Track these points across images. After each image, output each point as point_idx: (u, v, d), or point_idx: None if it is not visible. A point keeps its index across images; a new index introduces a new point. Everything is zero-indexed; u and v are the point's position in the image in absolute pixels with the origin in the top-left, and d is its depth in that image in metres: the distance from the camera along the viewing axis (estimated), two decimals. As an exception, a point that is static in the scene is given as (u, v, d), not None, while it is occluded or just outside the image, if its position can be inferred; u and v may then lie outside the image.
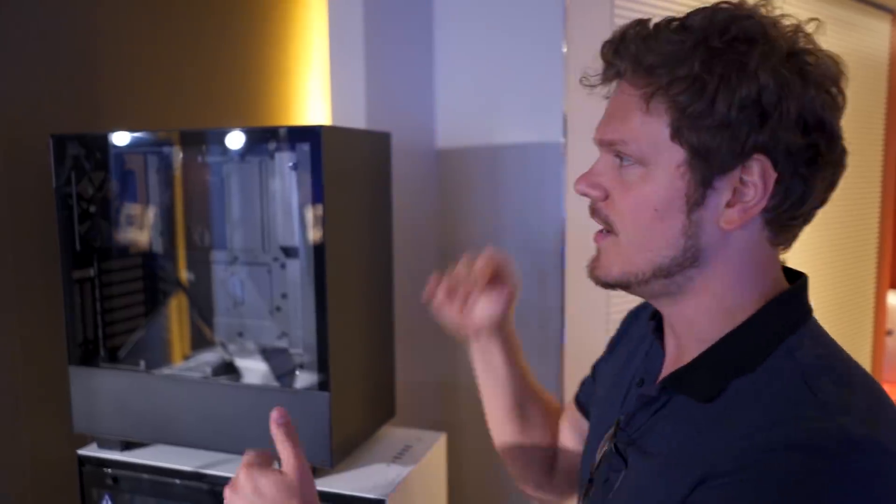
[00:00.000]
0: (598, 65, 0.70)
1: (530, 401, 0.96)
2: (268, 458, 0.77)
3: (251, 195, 1.18)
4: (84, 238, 1.12)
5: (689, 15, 0.66)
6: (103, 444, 1.12)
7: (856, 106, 2.86)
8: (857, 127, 2.59)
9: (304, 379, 1.03)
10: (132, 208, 1.19)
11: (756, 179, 0.64)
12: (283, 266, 1.19)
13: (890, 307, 3.02)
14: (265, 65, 1.52)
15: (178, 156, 1.16)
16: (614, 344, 0.93)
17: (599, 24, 1.45)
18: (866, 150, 2.69)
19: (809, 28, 0.66)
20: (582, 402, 0.94)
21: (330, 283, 0.96)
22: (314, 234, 0.96)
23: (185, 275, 1.23)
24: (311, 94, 1.61)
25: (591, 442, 0.85)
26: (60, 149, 1.09)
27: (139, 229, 1.20)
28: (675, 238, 0.67)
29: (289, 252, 1.17)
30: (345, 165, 1.02)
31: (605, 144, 0.69)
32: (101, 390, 1.11)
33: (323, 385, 0.98)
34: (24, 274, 1.13)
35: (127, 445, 1.12)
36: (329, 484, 0.99)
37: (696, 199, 0.65)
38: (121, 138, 1.11)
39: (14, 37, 1.10)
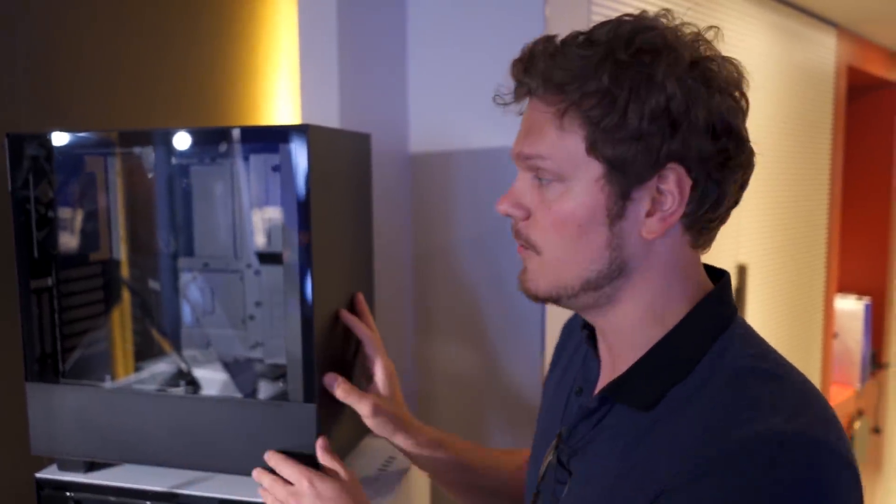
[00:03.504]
0: (510, 82, 0.72)
1: (482, 469, 0.99)
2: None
3: (222, 199, 1.13)
4: (42, 245, 1.05)
5: (593, 29, 0.68)
6: (64, 466, 1.04)
7: (803, 117, 2.96)
8: (805, 137, 2.68)
9: (286, 391, 0.97)
10: (95, 213, 1.12)
11: (672, 188, 0.65)
12: (256, 273, 1.14)
13: (836, 311, 3.12)
14: (232, 65, 1.47)
15: (146, 157, 1.09)
16: (554, 362, 0.94)
17: (578, 25, 1.45)
18: (814, 159, 2.79)
19: (709, 35, 0.68)
20: None
21: (316, 290, 0.92)
22: (300, 239, 0.92)
23: (150, 284, 1.17)
24: (278, 94, 1.56)
25: (535, 454, 0.85)
26: (17, 149, 1.01)
27: (101, 236, 1.13)
28: (599, 252, 0.68)
29: (263, 258, 1.12)
30: (330, 167, 0.98)
31: (522, 159, 0.70)
32: (61, 408, 1.03)
33: (308, 396, 0.93)
34: (-25, 284, 1.05)
35: (91, 466, 1.04)
36: (315, 501, 0.94)
37: (617, 211, 0.67)
38: (82, 138, 1.04)
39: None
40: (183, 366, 1.12)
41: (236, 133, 1.00)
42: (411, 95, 1.55)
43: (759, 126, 2.36)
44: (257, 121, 1.51)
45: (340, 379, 0.94)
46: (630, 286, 0.69)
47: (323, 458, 0.90)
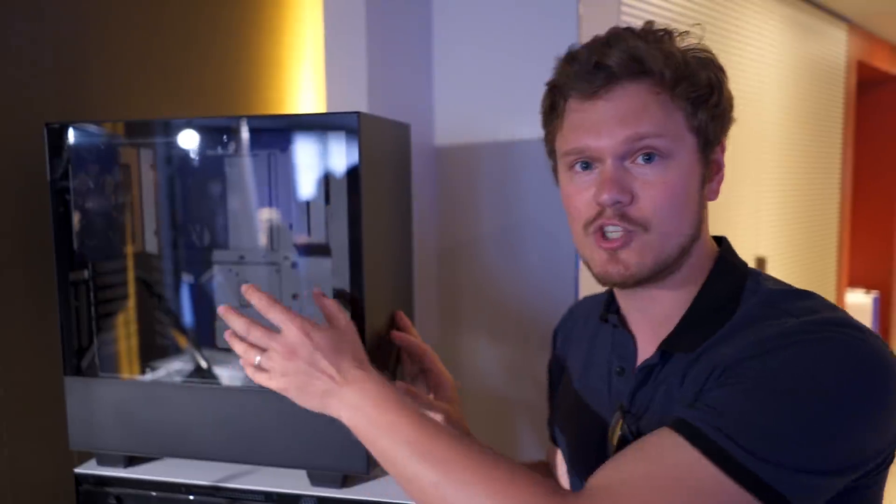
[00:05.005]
0: (539, 74, 0.81)
1: None
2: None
3: (260, 190, 1.11)
4: (79, 236, 1.03)
5: (657, 30, 0.77)
6: (104, 461, 1.03)
7: (816, 111, 2.96)
8: (817, 132, 2.68)
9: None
10: (131, 205, 1.10)
11: (720, 157, 0.79)
12: (293, 265, 1.12)
13: (848, 305, 3.13)
14: (256, 56, 1.45)
15: (183, 147, 1.08)
16: (559, 366, 0.98)
17: (610, 21, 1.45)
18: (825, 154, 2.79)
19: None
20: (557, 439, 0.98)
21: (367, 281, 0.91)
22: (350, 230, 0.91)
23: (186, 276, 1.15)
24: (302, 85, 1.55)
25: (580, 451, 0.88)
26: (56, 139, 1.00)
27: (137, 227, 1.12)
28: (694, 217, 0.76)
29: (302, 250, 1.11)
30: (377, 156, 0.97)
31: (632, 140, 0.74)
32: (100, 402, 1.02)
33: (358, 388, 0.92)
34: (2, 277, 1.04)
35: (131, 461, 1.03)
36: (365, 491, 0.93)
37: (704, 178, 0.77)
38: (120, 128, 1.03)
39: None
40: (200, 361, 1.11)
41: (282, 121, 0.98)
42: (437, 87, 1.54)
43: (772, 120, 2.36)
44: (281, 111, 1.50)
45: (412, 387, 0.96)
46: (697, 246, 0.78)
47: (322, 301, 0.85)
